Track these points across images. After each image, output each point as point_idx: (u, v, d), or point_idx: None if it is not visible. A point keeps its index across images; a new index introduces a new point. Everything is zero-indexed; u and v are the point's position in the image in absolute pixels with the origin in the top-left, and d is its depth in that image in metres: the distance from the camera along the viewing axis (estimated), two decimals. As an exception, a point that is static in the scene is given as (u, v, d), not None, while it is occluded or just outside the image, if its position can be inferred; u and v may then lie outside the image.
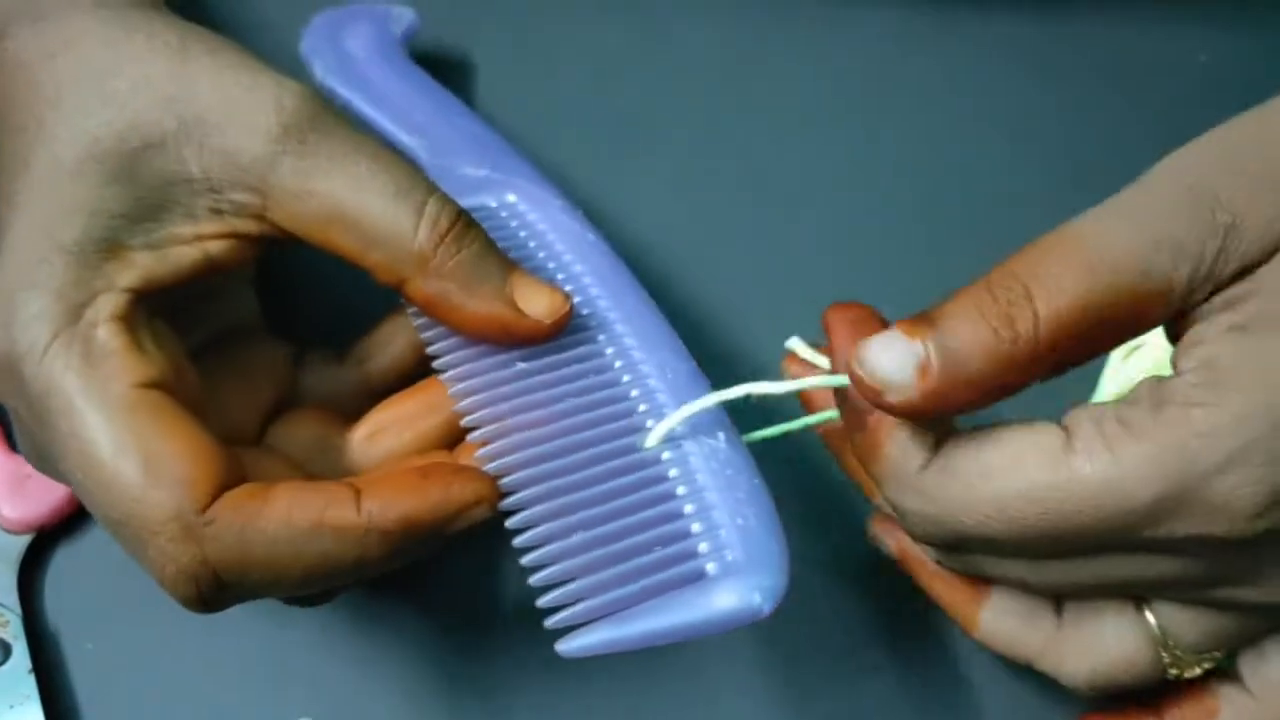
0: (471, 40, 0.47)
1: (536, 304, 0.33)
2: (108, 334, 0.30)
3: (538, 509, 0.31)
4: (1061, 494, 0.27)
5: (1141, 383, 0.28)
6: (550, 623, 0.29)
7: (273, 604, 0.34)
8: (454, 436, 0.35)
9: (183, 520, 0.29)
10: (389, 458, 0.35)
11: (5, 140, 0.33)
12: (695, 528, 0.31)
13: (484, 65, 0.47)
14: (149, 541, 0.29)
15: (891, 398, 0.27)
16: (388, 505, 0.30)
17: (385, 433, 0.35)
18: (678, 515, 0.31)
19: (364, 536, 0.30)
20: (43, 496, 0.38)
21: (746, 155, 0.45)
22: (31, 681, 0.36)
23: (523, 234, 0.37)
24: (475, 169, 0.39)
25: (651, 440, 0.32)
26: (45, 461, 0.32)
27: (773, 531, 0.31)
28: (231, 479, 0.30)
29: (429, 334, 0.35)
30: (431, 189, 0.33)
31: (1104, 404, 0.27)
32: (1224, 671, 0.33)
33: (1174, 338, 0.28)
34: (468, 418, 0.33)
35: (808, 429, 0.34)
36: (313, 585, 0.31)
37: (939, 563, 0.33)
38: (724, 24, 0.47)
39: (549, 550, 0.30)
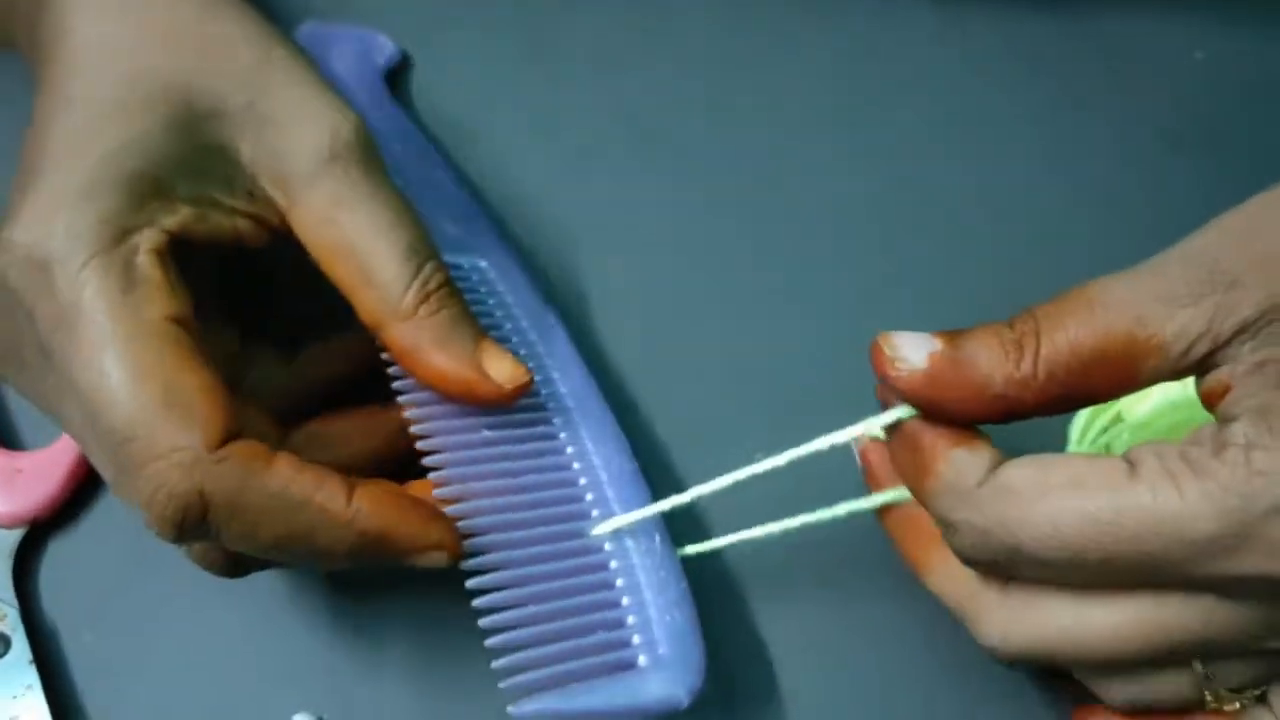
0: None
1: (500, 370, 0.36)
2: (147, 263, 0.32)
3: (494, 576, 0.34)
4: (1121, 518, 0.28)
5: (1204, 426, 0.29)
6: (504, 685, 0.33)
7: (272, 598, 0.37)
8: (387, 463, 0.37)
9: (194, 451, 0.30)
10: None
11: (64, 45, 0.34)
12: (630, 620, 0.35)
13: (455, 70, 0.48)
14: (148, 465, 0.30)
15: (900, 368, 0.30)
16: (374, 511, 0.32)
17: (322, 444, 0.37)
18: (615, 604, 0.35)
19: (343, 528, 0.32)
20: (35, 490, 0.38)
21: (744, 157, 0.46)
22: (33, 672, 0.36)
23: (490, 301, 0.40)
24: (452, 225, 0.42)
25: (597, 529, 0.36)
26: (26, 369, 0.33)
27: (695, 634, 0.35)
28: (236, 430, 0.31)
29: (402, 384, 0.37)
30: (432, 254, 0.35)
31: (1168, 442, 0.29)
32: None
33: (1210, 404, 0.30)
34: (433, 474, 0.36)
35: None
36: (277, 553, 0.33)
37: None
38: (723, 22, 0.48)
39: (504, 617, 0.34)
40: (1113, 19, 0.48)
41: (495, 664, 0.33)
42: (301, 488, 0.32)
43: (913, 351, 0.30)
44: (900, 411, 0.31)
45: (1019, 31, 0.48)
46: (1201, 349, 0.29)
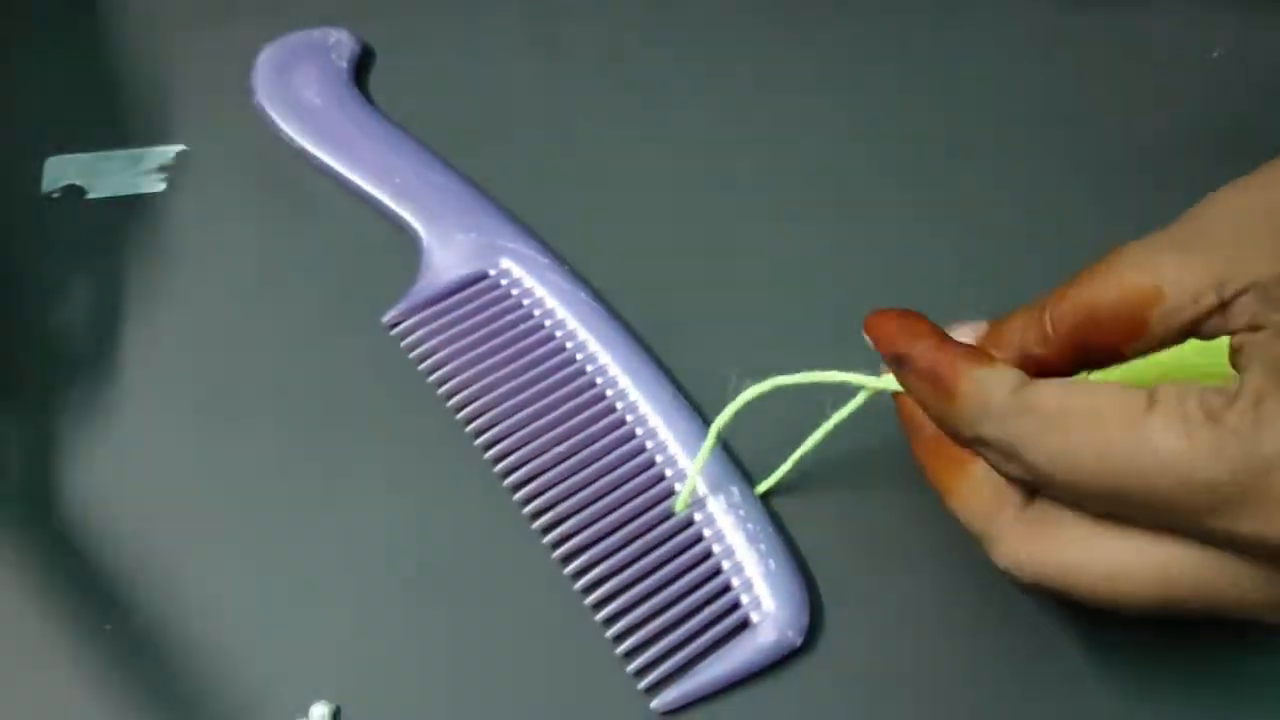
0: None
1: None
2: None
3: (609, 585, 0.38)
4: (1129, 454, 0.28)
5: (1230, 377, 0.29)
6: (642, 686, 0.37)
7: (290, 585, 0.39)
8: None
9: None
10: None
11: None
12: (734, 583, 0.38)
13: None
14: None
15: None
16: None
17: None
18: (717, 572, 0.39)
19: None
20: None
21: (746, 158, 0.47)
22: None
23: (526, 302, 0.42)
24: (464, 233, 0.43)
25: (680, 505, 0.39)
26: None
27: (794, 575, 0.38)
28: None
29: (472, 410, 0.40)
30: None
31: (1195, 384, 0.28)
32: None
33: (1233, 363, 0.30)
34: (528, 506, 0.39)
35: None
36: None
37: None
38: (722, 23, 0.49)
39: (627, 620, 0.38)
40: (1129, 16, 0.48)
41: (629, 668, 0.37)
42: None
43: (963, 336, 0.33)
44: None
45: (1033, 27, 0.48)
46: (1208, 300, 0.29)
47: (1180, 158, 0.46)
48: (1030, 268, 0.40)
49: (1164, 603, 0.30)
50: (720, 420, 0.38)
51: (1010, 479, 0.32)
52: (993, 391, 0.30)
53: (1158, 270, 0.30)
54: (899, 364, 0.33)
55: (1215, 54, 0.48)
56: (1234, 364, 0.30)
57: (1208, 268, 0.29)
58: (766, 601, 0.38)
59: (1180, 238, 0.30)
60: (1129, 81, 0.47)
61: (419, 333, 0.42)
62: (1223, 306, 0.29)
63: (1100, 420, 0.29)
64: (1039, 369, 0.32)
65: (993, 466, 0.32)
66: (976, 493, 0.33)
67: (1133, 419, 0.28)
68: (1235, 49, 0.48)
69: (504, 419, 0.40)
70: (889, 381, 0.35)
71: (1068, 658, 0.38)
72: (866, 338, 0.35)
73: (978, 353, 0.32)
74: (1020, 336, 0.32)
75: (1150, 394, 0.29)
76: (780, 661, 0.38)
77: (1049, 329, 0.32)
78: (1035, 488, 0.31)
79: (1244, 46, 0.48)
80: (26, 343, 0.43)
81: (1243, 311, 0.29)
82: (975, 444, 0.31)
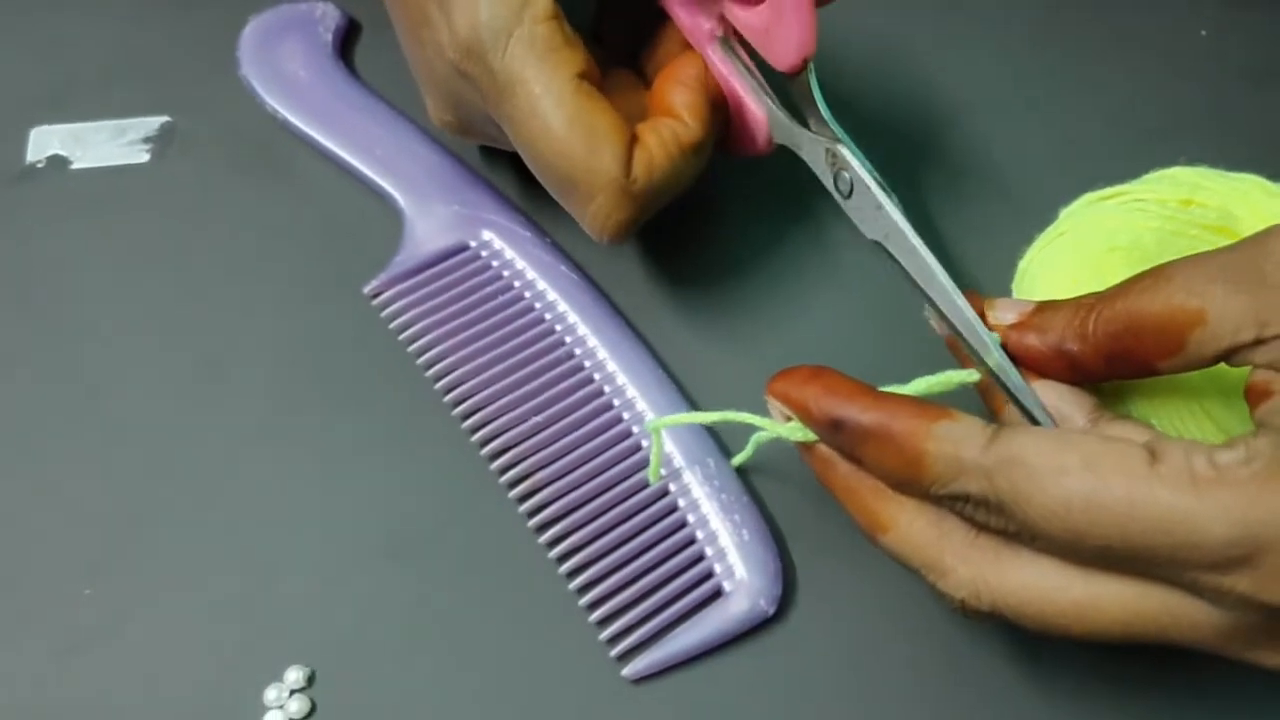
0: None
1: None
2: (548, 31, 0.37)
3: (583, 554, 0.39)
4: (1134, 510, 0.27)
5: (1239, 435, 0.28)
6: (614, 653, 0.38)
7: (264, 550, 0.39)
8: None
9: (619, 183, 0.37)
10: None
11: None
12: (707, 552, 0.39)
13: None
14: (593, 198, 0.37)
15: (992, 320, 0.34)
16: (702, 127, 0.39)
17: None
18: (691, 541, 0.39)
19: (701, 150, 0.39)
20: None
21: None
22: None
23: (506, 273, 0.43)
24: (445, 205, 0.43)
25: (653, 477, 0.40)
26: (472, 128, 0.40)
27: (767, 545, 0.39)
28: (631, 145, 0.38)
29: (451, 380, 0.41)
30: None
31: (1198, 442, 0.28)
32: None
33: (1251, 404, 0.30)
34: (505, 475, 0.40)
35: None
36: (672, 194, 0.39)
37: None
38: None
39: (600, 589, 0.38)
40: (1121, -1, 0.48)
41: (601, 636, 0.38)
42: (674, 145, 0.39)
43: (1006, 312, 0.34)
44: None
45: (1026, 7, 0.49)
46: (1246, 335, 0.29)
47: (1167, 135, 0.46)
48: (1013, 248, 0.40)
49: (1126, 637, 0.30)
50: (660, 422, 0.38)
51: (985, 529, 0.31)
52: (965, 447, 0.30)
53: (1205, 296, 0.30)
54: (836, 429, 0.32)
55: (1202, 33, 0.49)
56: (1251, 404, 0.30)
57: (1253, 305, 0.29)
58: (739, 571, 0.39)
59: (1233, 268, 0.30)
60: (1114, 59, 0.48)
61: (400, 303, 0.43)
62: (1257, 343, 0.29)
63: (1098, 474, 0.28)
64: (1070, 366, 0.33)
65: (961, 516, 0.31)
66: (916, 525, 0.32)
67: (1133, 473, 0.28)
68: (1221, 28, 0.49)
69: (482, 389, 0.41)
70: (793, 430, 0.34)
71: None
72: (774, 404, 0.35)
73: (925, 406, 0.31)
74: (1061, 330, 0.33)
75: (1149, 448, 0.28)
76: (752, 630, 0.38)
77: (1090, 329, 0.32)
78: (1013, 537, 0.31)
79: (1228, 25, 0.49)
80: (8, 310, 0.43)
81: (1274, 352, 0.29)
82: (946, 500, 0.31)
